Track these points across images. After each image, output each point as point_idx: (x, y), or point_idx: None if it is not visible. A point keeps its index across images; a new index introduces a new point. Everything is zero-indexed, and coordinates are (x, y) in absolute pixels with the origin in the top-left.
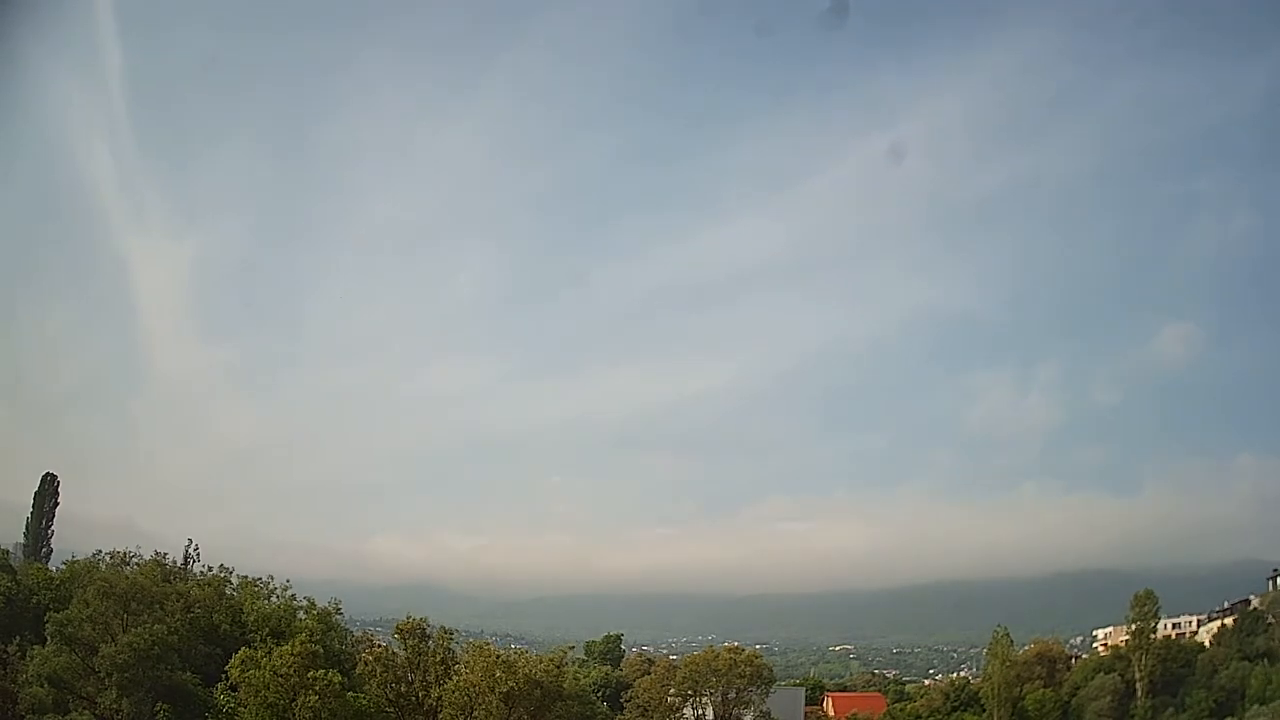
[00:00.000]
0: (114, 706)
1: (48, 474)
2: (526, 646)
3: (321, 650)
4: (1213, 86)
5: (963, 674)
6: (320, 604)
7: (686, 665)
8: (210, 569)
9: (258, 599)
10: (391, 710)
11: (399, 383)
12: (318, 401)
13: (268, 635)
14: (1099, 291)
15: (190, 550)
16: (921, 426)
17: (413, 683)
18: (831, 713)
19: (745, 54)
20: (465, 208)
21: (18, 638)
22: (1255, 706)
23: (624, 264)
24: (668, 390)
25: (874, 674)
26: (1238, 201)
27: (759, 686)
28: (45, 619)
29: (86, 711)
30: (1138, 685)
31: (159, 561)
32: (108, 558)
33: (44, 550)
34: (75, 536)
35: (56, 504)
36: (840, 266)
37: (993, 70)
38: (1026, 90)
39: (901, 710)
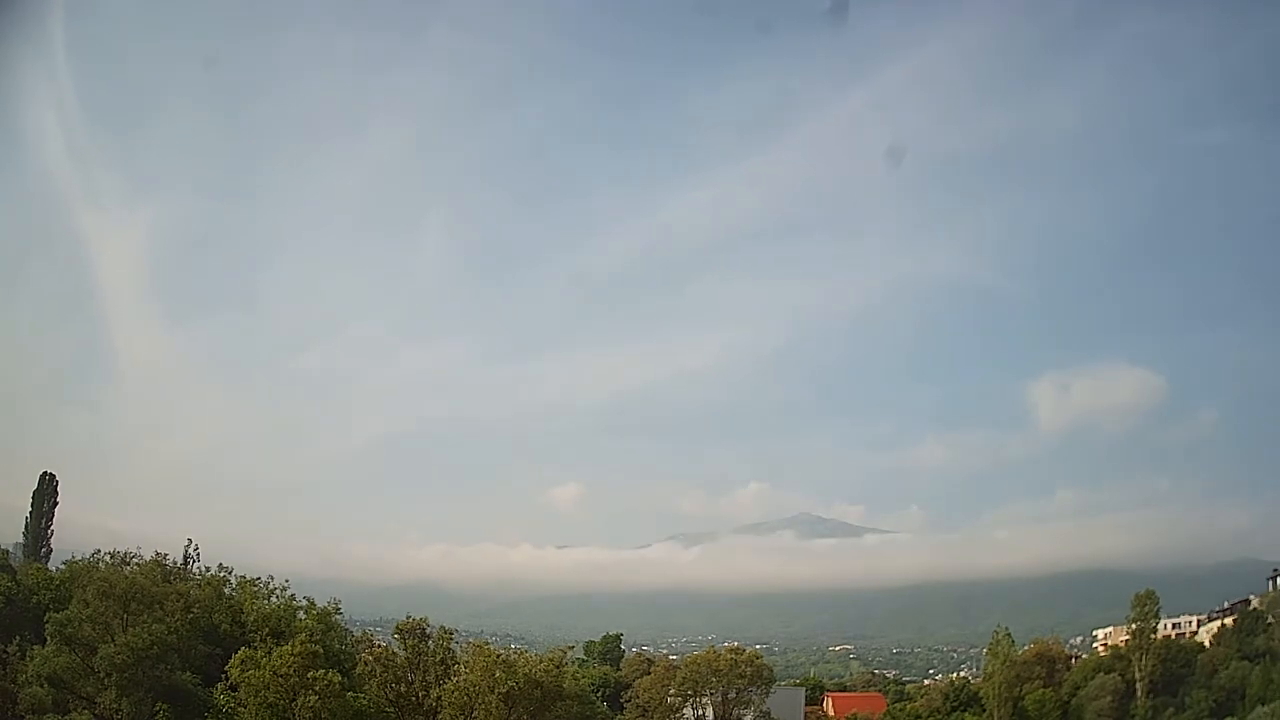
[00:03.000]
0: (114, 706)
1: (46, 473)
2: (526, 646)
3: (321, 650)
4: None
5: (963, 674)
6: (320, 604)
7: (687, 665)
8: (209, 569)
9: (257, 599)
10: (391, 710)
11: (370, 366)
12: (289, 388)
13: (268, 635)
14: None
15: (189, 550)
16: (924, 412)
17: (413, 683)
18: (831, 713)
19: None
20: (422, 177)
21: (18, 638)
22: (1255, 706)
23: (592, 233)
24: (649, 371)
25: (874, 674)
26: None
27: (759, 687)
28: (45, 619)
29: (86, 712)
30: (1138, 685)
31: (159, 562)
32: (107, 558)
33: (43, 550)
34: (68, 537)
35: (56, 503)
36: (825, 232)
37: (991, 8)
38: (1025, 31)
39: (901, 710)
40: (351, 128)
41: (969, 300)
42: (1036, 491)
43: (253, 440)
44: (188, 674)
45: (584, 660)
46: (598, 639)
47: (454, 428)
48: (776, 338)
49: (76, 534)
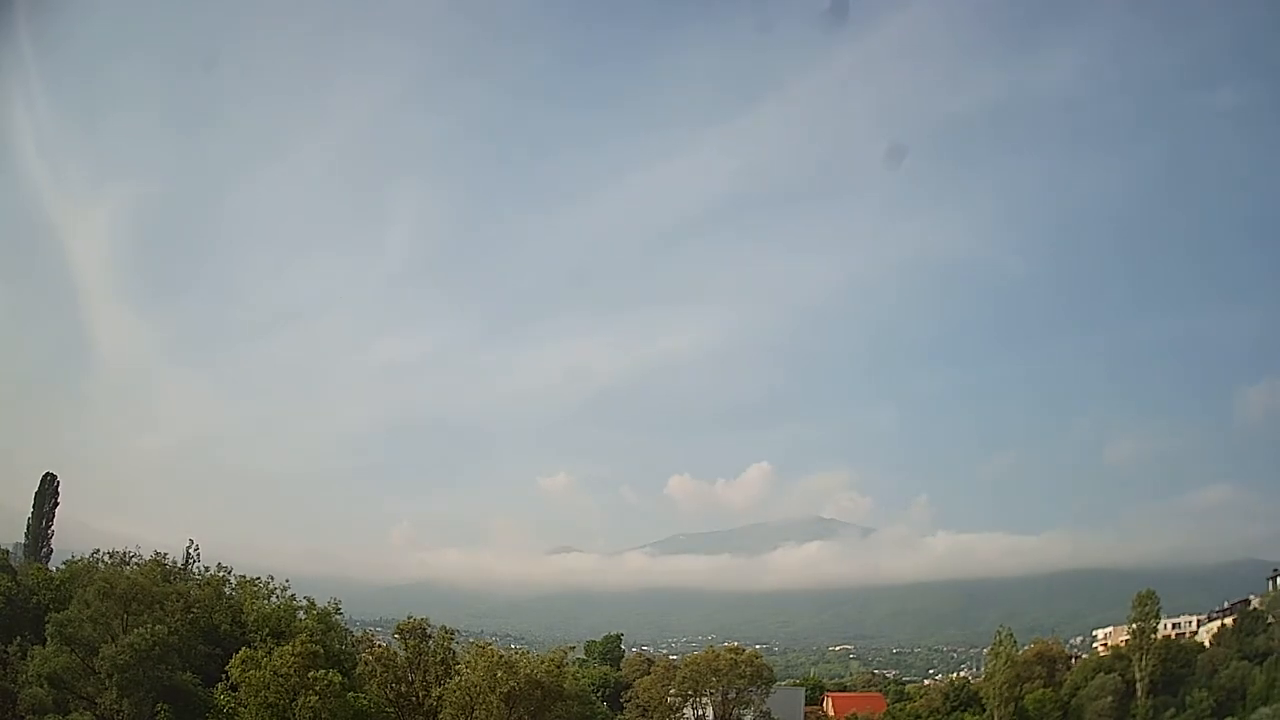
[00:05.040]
0: (114, 707)
1: (48, 474)
2: (526, 646)
3: (322, 650)
4: None
5: (963, 674)
6: (320, 604)
7: (687, 665)
8: (210, 569)
9: (257, 599)
10: (392, 710)
11: (344, 355)
12: (265, 379)
13: (268, 635)
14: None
15: (190, 550)
16: (927, 401)
17: (413, 683)
18: (831, 713)
19: None
20: (390, 156)
21: (18, 638)
22: (1256, 707)
23: (569, 210)
24: (637, 356)
25: (874, 674)
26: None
27: (759, 687)
28: (45, 619)
29: (87, 712)
30: (1138, 685)
31: (159, 562)
32: (107, 558)
33: (44, 550)
34: (68, 537)
35: (56, 504)
36: (812, 203)
37: None
38: None
39: (901, 710)
40: (316, 106)
41: (974, 277)
42: (1037, 489)
43: (237, 435)
44: (188, 674)
45: (584, 660)
46: (598, 639)
47: (437, 419)
48: (764, 318)
49: (74, 534)
